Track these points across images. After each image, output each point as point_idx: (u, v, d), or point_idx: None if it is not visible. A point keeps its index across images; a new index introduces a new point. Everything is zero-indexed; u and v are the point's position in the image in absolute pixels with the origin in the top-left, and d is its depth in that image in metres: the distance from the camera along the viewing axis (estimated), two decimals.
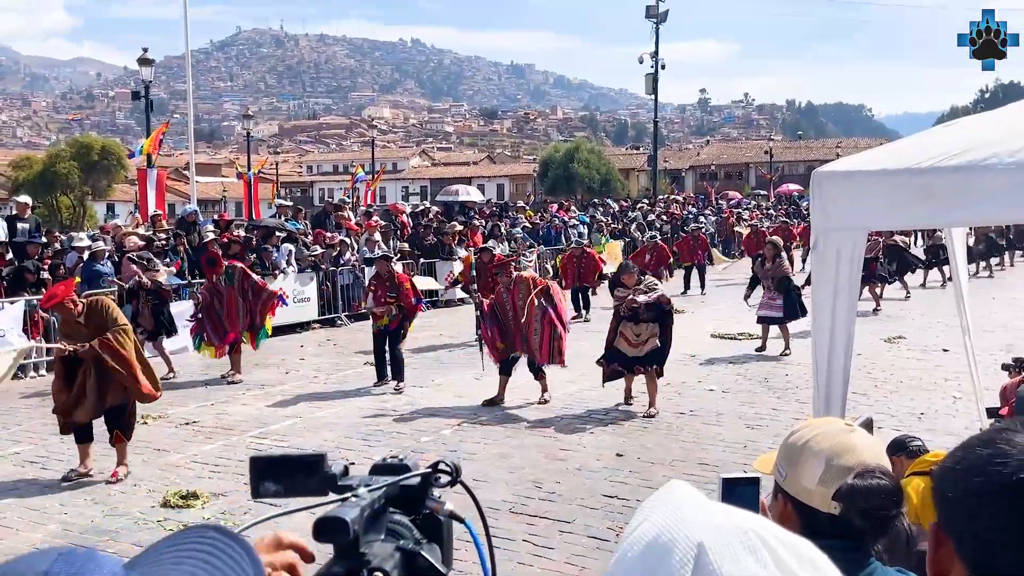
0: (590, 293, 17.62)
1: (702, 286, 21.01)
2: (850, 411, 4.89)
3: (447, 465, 1.10)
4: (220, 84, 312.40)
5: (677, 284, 20.86)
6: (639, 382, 9.75)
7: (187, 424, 9.55)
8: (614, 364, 9.56)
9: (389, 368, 11.12)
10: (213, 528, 0.87)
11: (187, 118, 26.73)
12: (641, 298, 9.32)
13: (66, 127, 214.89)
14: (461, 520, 1.08)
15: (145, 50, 25.02)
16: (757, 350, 12.93)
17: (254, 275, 12.39)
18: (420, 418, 9.60)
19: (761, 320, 13.03)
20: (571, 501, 6.80)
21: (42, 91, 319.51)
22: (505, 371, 10.11)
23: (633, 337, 9.44)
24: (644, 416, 9.32)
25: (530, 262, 22.56)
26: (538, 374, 10.05)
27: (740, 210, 36.00)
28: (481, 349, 10.46)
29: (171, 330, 12.57)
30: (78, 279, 12.78)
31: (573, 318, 16.77)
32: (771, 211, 38.79)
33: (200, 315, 11.92)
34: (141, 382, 7.45)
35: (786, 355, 12.62)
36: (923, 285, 20.73)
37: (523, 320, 9.84)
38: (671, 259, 20.17)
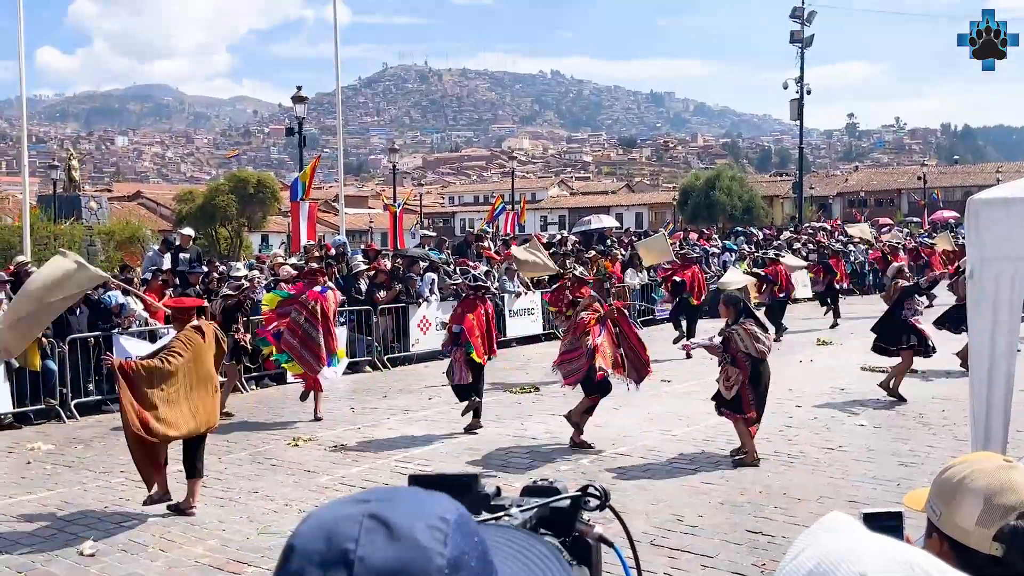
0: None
1: (836, 315, 19.72)
2: (1011, 450, 4.63)
3: (596, 489, 1.12)
4: (367, 119, 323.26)
5: (796, 315, 20.17)
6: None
7: (335, 447, 9.90)
8: (721, 409, 8.87)
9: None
10: (540, 542, 0.88)
11: (337, 152, 27.84)
12: (716, 340, 8.69)
13: (225, 163, 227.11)
14: (610, 544, 1.10)
15: (299, 88, 26.25)
16: (881, 385, 11.73)
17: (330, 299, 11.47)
18: (559, 447, 9.63)
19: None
20: (714, 536, 6.67)
21: (204, 128, 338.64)
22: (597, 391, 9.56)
23: (724, 379, 8.72)
24: (731, 456, 8.75)
25: None
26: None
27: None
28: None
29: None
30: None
31: (679, 340, 16.25)
32: (924, 239, 37.11)
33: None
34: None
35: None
36: None
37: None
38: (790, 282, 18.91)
